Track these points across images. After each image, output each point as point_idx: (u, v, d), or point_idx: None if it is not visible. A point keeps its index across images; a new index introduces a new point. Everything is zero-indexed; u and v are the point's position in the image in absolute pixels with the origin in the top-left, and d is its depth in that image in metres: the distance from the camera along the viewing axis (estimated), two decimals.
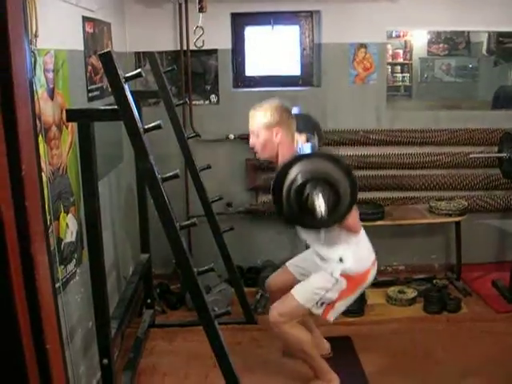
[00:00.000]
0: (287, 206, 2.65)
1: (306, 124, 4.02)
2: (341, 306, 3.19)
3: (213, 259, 3.60)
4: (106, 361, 2.74)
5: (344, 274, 3.08)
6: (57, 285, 2.55)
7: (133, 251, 4.46)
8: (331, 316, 3.18)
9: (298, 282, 3.28)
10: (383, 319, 4.19)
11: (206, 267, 2.48)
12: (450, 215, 4.59)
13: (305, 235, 3.27)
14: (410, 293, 4.44)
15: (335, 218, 2.71)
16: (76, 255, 2.96)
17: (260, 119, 3.10)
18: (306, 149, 3.03)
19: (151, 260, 4.15)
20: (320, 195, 2.51)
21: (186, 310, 4.39)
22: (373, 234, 4.74)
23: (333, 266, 3.09)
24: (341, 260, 3.08)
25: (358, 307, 4.21)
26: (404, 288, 4.52)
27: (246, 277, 4.84)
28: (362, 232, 3.21)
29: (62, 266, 2.73)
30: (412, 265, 5.08)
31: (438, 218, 4.60)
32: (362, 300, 4.28)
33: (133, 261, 4.44)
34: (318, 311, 3.14)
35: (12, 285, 1.04)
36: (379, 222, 4.50)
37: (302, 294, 3.15)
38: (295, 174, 2.60)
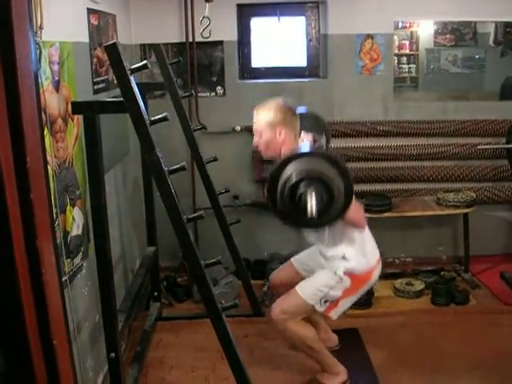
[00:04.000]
0: (281, 203, 2.60)
1: (314, 124, 4.01)
2: (344, 305, 3.18)
3: (220, 252, 3.59)
4: (113, 354, 2.74)
5: (348, 273, 3.06)
6: (63, 278, 2.54)
7: (139, 244, 4.45)
8: (334, 314, 3.18)
9: (302, 277, 3.28)
10: (391, 311, 4.18)
11: (213, 260, 2.47)
12: (458, 207, 4.56)
13: (307, 233, 3.26)
14: (418, 285, 4.42)
15: (327, 218, 2.66)
16: (82, 248, 2.95)
17: (263, 118, 3.08)
18: (304, 147, 3.00)
19: (158, 253, 4.14)
20: (313, 195, 2.45)
21: (193, 303, 4.39)
22: (380, 226, 4.76)
23: (337, 264, 3.08)
24: (344, 257, 3.06)
25: (366, 300, 4.20)
26: (411, 280, 4.50)
27: (253, 269, 4.83)
28: (367, 230, 3.18)
29: (69, 260, 2.72)
30: (419, 257, 5.06)
31: (445, 209, 4.57)
32: (369, 292, 4.26)
33: (139, 254, 4.43)
34: (321, 309, 3.13)
35: (18, 279, 1.03)
36: (386, 214, 4.49)
37: (306, 291, 3.13)
38: (290, 172, 2.55)
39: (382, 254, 3.26)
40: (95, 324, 3.15)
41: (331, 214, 2.62)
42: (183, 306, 4.42)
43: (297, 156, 2.65)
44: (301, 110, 3.25)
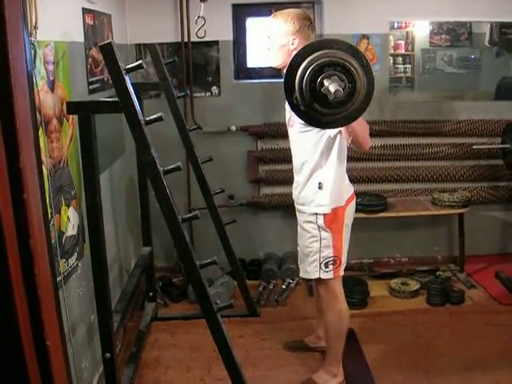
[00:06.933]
0: (299, 89, 2.37)
1: None
2: (344, 256, 3.11)
3: (215, 252, 3.59)
4: (108, 354, 2.73)
5: (325, 213, 2.99)
6: (58, 279, 2.54)
7: (135, 244, 4.45)
8: (342, 271, 3.12)
9: None
10: (386, 311, 4.18)
11: (208, 260, 2.46)
12: (453, 207, 4.56)
13: (296, 148, 3.12)
14: (413, 285, 4.43)
15: (346, 111, 2.39)
16: (77, 249, 2.94)
17: (280, 25, 2.97)
18: None
19: (153, 253, 4.14)
20: (337, 79, 2.27)
21: (188, 303, 4.39)
22: (375, 226, 4.79)
23: (310, 208, 3.02)
24: (320, 187, 2.97)
25: (361, 299, 4.20)
26: (407, 280, 4.51)
27: (249, 269, 4.83)
28: (345, 165, 3.09)
29: (64, 260, 2.72)
30: (415, 257, 5.06)
31: (441, 209, 4.58)
32: (364, 292, 4.28)
33: (135, 254, 4.43)
34: (328, 275, 3.07)
35: (11, 280, 1.03)
36: (382, 214, 4.49)
37: (305, 270, 3.14)
38: (315, 55, 2.33)
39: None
40: (90, 324, 3.15)
41: (349, 110, 2.40)
42: (178, 306, 4.41)
43: (324, 43, 2.41)
44: None
